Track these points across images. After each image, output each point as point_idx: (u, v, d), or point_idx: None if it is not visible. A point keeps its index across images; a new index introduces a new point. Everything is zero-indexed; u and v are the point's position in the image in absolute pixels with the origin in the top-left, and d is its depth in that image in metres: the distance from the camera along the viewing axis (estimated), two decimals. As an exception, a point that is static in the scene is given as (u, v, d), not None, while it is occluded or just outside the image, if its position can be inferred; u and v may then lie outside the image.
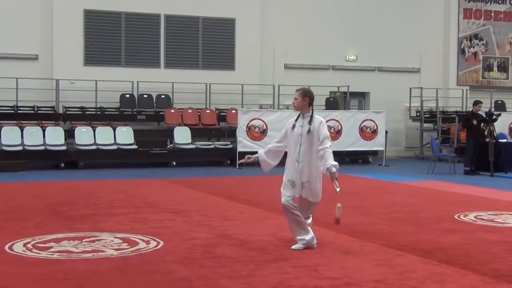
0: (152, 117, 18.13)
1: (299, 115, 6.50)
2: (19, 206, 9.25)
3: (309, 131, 6.34)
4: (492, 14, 22.64)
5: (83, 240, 6.78)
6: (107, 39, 18.24)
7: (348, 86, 19.73)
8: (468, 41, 22.45)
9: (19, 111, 16.86)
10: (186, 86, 18.16)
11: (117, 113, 17.76)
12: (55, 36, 17.60)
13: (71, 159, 16.01)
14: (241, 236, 7.12)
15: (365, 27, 20.78)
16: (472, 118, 15.14)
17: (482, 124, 15.06)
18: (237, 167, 8.58)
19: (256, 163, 6.74)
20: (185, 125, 17.51)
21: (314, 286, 5.11)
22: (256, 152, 6.78)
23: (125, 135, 16.60)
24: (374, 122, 17.72)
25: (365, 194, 11.18)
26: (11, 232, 7.24)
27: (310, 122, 6.38)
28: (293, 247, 6.42)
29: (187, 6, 18.82)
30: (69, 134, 16.24)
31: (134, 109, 17.95)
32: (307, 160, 6.34)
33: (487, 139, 14.88)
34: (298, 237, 6.44)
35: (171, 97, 18.32)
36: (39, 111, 17.06)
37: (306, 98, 6.46)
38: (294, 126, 6.44)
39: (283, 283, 5.19)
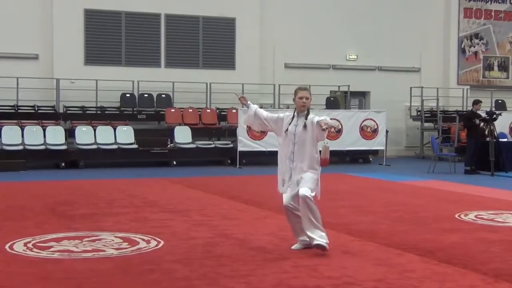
0: (153, 117, 18.12)
1: (293, 116, 6.45)
2: (20, 206, 9.25)
3: (305, 126, 6.32)
4: (493, 13, 22.62)
5: (84, 240, 6.78)
6: (107, 38, 18.23)
7: (349, 85, 19.71)
8: (468, 41, 22.43)
9: (19, 111, 16.85)
10: (186, 85, 18.16)
11: (118, 112, 17.76)
12: (55, 36, 17.59)
13: (71, 158, 16.02)
14: (241, 236, 7.12)
15: (365, 26, 20.76)
16: (473, 117, 15.13)
17: (482, 123, 15.07)
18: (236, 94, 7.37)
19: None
20: (186, 124, 17.51)
21: (314, 286, 5.11)
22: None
23: (125, 135, 16.59)
24: (375, 121, 17.71)
25: (365, 194, 11.18)
26: (11, 231, 7.24)
27: (306, 117, 6.36)
28: (293, 246, 6.42)
29: (188, 5, 18.81)
30: (70, 134, 16.23)
31: (135, 109, 17.95)
32: (300, 158, 6.31)
33: (488, 139, 14.87)
34: (300, 238, 6.44)
35: (171, 96, 18.32)
36: (39, 111, 17.05)
37: (311, 97, 6.52)
38: (287, 129, 6.39)
39: (283, 282, 5.19)
